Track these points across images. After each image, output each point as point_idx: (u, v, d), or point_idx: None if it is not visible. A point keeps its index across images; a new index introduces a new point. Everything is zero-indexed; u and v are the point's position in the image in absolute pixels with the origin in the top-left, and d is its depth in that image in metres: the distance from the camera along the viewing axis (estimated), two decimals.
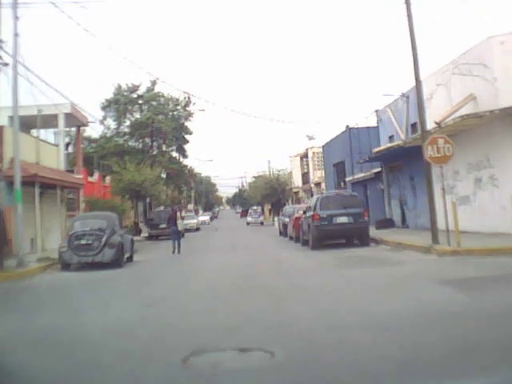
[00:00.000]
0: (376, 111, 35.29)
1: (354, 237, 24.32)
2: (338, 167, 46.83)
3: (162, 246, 33.62)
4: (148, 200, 59.50)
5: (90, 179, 44.54)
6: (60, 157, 33.36)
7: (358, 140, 40.66)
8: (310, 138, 62.23)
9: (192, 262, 22.44)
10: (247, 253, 24.69)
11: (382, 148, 29.77)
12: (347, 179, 41.30)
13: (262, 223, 73.67)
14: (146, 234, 43.03)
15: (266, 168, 76.82)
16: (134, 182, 42.94)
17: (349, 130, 41.74)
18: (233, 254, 24.53)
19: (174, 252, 26.28)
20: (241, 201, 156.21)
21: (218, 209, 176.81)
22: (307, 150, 61.32)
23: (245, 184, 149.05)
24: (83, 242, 19.46)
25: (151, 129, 56.02)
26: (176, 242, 26.87)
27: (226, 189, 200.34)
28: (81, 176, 35.36)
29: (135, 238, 41.19)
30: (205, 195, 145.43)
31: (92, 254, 19.39)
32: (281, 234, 38.07)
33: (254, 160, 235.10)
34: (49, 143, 33.24)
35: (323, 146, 51.49)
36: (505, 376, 4.09)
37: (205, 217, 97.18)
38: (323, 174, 55.74)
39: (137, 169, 44.65)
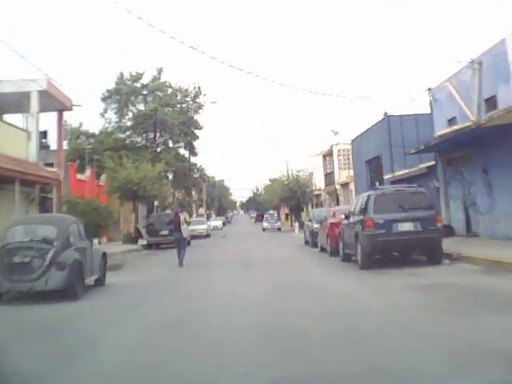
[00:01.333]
0: (429, 90, 28.14)
1: (422, 250, 17.25)
2: (372, 164, 39.78)
3: (162, 259, 26.95)
4: (156, 203, 52.82)
5: (79, 177, 37.78)
6: (32, 146, 26.53)
7: (399, 130, 33.63)
8: (335, 133, 55.34)
9: (193, 285, 15.69)
10: (269, 271, 17.84)
11: (447, 131, 22.66)
12: (386, 177, 34.24)
13: (279, 229, 66.78)
14: (145, 242, 36.15)
15: (283, 170, 69.78)
16: (131, 180, 36.15)
17: (387, 118, 34.70)
18: (250, 274, 17.64)
19: (180, 264, 21.45)
20: (255, 205, 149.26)
21: (231, 213, 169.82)
22: (332, 146, 54.38)
23: (260, 188, 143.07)
24: (17, 259, 12.54)
25: (155, 121, 49.14)
26: (182, 252, 21.84)
27: (240, 193, 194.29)
28: (56, 170, 28.44)
29: (131, 248, 34.74)
30: (218, 199, 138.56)
31: (30, 278, 12.44)
32: (307, 243, 31.17)
33: (270, 162, 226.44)
34: (15, 127, 26.42)
35: (352, 141, 44.47)
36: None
37: (217, 222, 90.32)
38: (352, 173, 48.69)
39: (135, 165, 37.85)
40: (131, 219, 42.64)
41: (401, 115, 33.61)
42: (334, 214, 22.98)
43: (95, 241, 28.34)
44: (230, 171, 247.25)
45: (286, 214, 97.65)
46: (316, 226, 27.86)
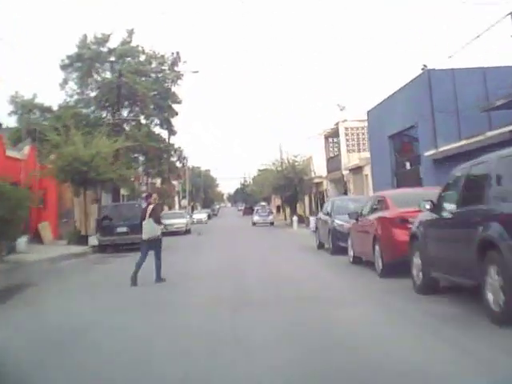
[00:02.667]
0: None
1: None
2: (398, 140, 30.57)
3: (110, 272, 17.78)
4: (122, 192, 43.23)
5: (11, 154, 28.21)
6: None
7: (445, 89, 24.43)
8: (342, 108, 45.96)
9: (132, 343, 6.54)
10: (287, 320, 8.47)
11: None
12: (427, 154, 24.90)
13: (271, 223, 57.55)
14: (96, 243, 26.67)
15: (276, 156, 60.11)
16: (79, 157, 26.65)
17: (427, 73, 25.36)
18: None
19: (133, 281, 13.49)
20: (243, 197, 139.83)
21: (218, 206, 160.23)
22: (337, 124, 45.03)
23: (248, 178, 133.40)
24: None
25: (119, 89, 39.51)
26: (155, 261, 13.95)
27: (228, 184, 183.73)
28: None
29: (75, 251, 25.23)
30: (203, 190, 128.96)
31: None
32: (321, 246, 21.95)
33: (261, 150, 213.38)
34: None
35: (368, 113, 35.05)
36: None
37: (201, 214, 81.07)
38: (365, 155, 39.41)
39: (87, 140, 28.34)
40: (93, 211, 33.16)
41: (452, 69, 24.40)
42: (387, 202, 13.38)
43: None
44: (217, 160, 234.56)
45: (278, 207, 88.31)
46: (341, 222, 18.56)
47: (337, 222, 18.99)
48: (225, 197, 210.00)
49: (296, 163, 53.80)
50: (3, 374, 5.86)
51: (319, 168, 53.21)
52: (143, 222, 13.98)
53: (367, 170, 36.82)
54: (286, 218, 66.53)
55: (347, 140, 45.13)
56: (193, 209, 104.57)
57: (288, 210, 68.16)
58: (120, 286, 13.31)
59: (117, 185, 32.72)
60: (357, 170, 39.84)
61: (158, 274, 13.69)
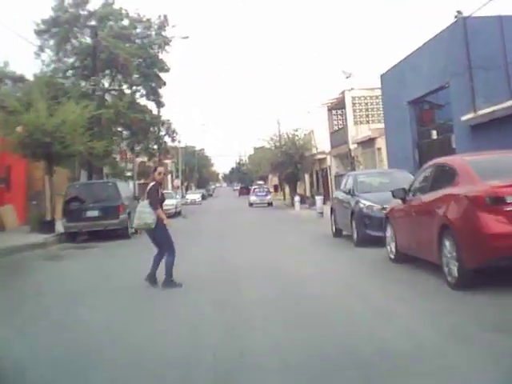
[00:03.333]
0: None
1: None
2: (418, 106, 26.16)
3: (54, 278, 13.15)
4: (105, 170, 38.64)
5: None
6: None
7: (485, 41, 19.98)
8: (348, 76, 41.13)
9: None
10: None
11: None
12: (464, 118, 20.37)
13: (270, 204, 53.11)
14: (62, 230, 22.07)
15: (274, 132, 55.28)
16: (41, 127, 21.98)
17: (463, 21, 20.75)
18: None
19: (152, 280, 10.23)
20: (239, 176, 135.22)
21: (213, 186, 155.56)
22: (343, 93, 40.36)
23: (244, 157, 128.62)
24: None
25: (97, 54, 34.70)
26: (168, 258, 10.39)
27: (223, 163, 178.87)
28: None
29: (37, 240, 20.33)
30: (197, 170, 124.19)
31: None
32: (339, 233, 17.47)
33: (257, 127, 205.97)
34: None
35: (382, 77, 30.41)
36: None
37: (195, 195, 76.59)
38: (376, 126, 34.96)
39: (53, 108, 23.65)
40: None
41: (497, 16, 19.92)
42: (464, 172, 8.69)
43: None
44: (211, 139, 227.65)
45: (275, 186, 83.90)
46: (369, 203, 14.09)
47: (363, 202, 14.44)
48: (220, 176, 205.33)
49: (296, 138, 49.15)
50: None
51: (321, 143, 48.69)
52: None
53: (380, 143, 32.32)
54: (284, 198, 62.12)
55: (354, 111, 40.51)
56: (187, 189, 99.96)
57: (287, 190, 63.85)
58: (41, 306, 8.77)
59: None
60: (367, 143, 35.29)
61: (169, 277, 10.08)
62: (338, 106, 44.13)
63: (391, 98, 28.88)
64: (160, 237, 10.38)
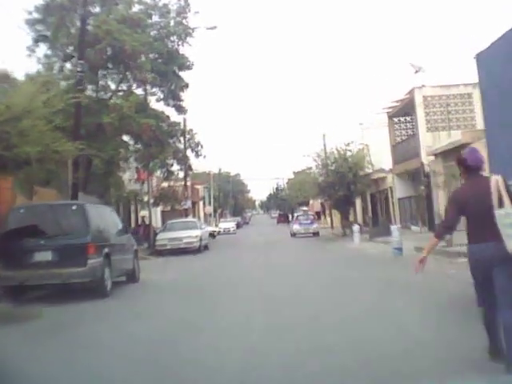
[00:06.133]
0: None
1: None
2: None
3: None
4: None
5: None
6: None
7: None
8: (418, 70, 32.21)
9: None
10: None
11: None
12: None
13: (316, 233, 44.01)
14: None
15: (318, 150, 45.86)
16: None
17: None
18: None
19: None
20: (277, 203, 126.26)
21: (249, 213, 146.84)
22: (411, 93, 31.50)
23: (282, 183, 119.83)
24: None
25: (103, 45, 26.80)
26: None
27: (259, 191, 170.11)
28: None
29: None
30: (232, 197, 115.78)
31: None
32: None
33: (294, 153, 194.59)
34: None
35: (478, 57, 21.39)
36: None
37: (229, 223, 67.82)
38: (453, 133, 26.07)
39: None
40: None
41: None
42: None
43: None
44: (245, 163, 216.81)
45: (317, 213, 74.77)
46: None
47: None
48: (256, 204, 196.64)
49: (348, 154, 40.30)
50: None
51: (378, 161, 39.70)
52: None
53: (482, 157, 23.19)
54: (332, 227, 53.02)
55: (427, 114, 31.53)
56: (221, 216, 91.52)
57: (335, 216, 54.85)
58: None
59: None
60: (453, 152, 26.18)
61: None
62: (402, 110, 35.21)
63: (494, 83, 19.89)
64: None
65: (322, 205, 76.50)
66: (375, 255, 22.05)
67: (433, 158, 29.25)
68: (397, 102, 34.45)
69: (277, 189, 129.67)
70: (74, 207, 13.07)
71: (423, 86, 31.69)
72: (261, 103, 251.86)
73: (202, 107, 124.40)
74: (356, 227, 30.17)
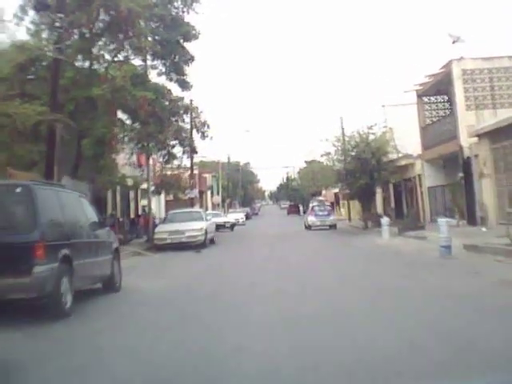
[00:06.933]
0: None
1: None
2: None
3: None
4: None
5: None
6: None
7: None
8: (456, 40, 28.15)
9: None
10: None
11: None
12: None
13: (332, 226, 39.99)
14: None
15: (336, 136, 41.45)
16: None
17: None
18: None
19: None
20: (288, 193, 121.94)
21: (259, 204, 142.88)
22: (448, 66, 27.43)
23: (293, 173, 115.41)
24: None
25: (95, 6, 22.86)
26: None
27: (269, 181, 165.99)
28: None
29: None
30: (242, 187, 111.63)
31: None
32: None
33: (304, 142, 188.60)
34: None
35: None
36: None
37: (238, 214, 63.80)
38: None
39: None
40: None
41: None
42: None
43: None
44: (255, 151, 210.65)
45: (331, 203, 70.66)
46: None
47: None
48: (266, 194, 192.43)
49: (372, 137, 36.27)
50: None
51: (402, 146, 35.57)
52: None
53: None
54: (349, 219, 49.03)
55: (466, 90, 27.42)
56: (230, 207, 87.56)
57: (353, 207, 50.95)
58: None
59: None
60: (503, 132, 22.11)
61: None
62: (434, 87, 31.09)
63: None
64: None
65: (335, 195, 72.51)
66: (415, 255, 18.06)
67: (475, 139, 25.18)
68: (429, 77, 30.33)
69: (287, 178, 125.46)
70: (17, 189, 9.12)
71: (462, 58, 27.59)
72: (271, 89, 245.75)
73: (210, 93, 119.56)
74: (385, 220, 26.13)
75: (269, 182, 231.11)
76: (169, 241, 25.36)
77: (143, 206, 35.71)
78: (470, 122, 26.15)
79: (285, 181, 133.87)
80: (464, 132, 26.19)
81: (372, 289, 11.28)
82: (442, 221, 17.39)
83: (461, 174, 26.46)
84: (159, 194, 33.01)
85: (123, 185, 25.54)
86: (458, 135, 26.89)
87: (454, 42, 28.04)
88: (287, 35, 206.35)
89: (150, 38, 27.03)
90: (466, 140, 26.15)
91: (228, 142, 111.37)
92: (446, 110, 33.02)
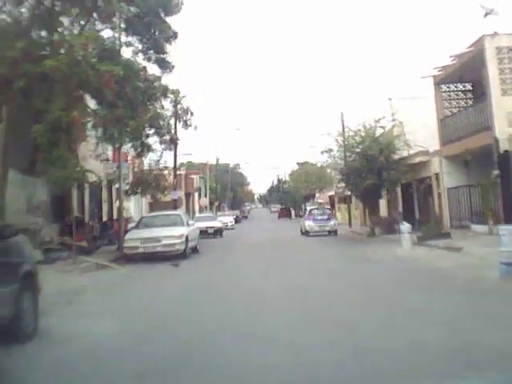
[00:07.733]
0: None
1: None
2: None
3: None
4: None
5: None
6: None
7: None
8: (488, 12, 23.59)
9: None
10: None
11: None
12: None
13: (332, 232, 35.46)
14: None
15: (337, 131, 36.67)
16: None
17: None
18: None
19: None
20: (279, 196, 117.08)
21: (249, 207, 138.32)
22: (480, 41, 22.86)
23: (283, 176, 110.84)
24: None
25: None
26: None
27: (258, 184, 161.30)
28: None
29: None
30: (231, 189, 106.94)
31: None
32: None
33: (298, 137, 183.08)
34: None
35: None
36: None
37: (227, 217, 58.91)
38: None
39: None
40: None
41: None
42: None
43: None
44: (245, 152, 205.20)
45: (330, 206, 65.86)
46: None
47: None
48: (255, 197, 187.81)
49: (379, 131, 31.77)
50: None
51: (419, 136, 30.93)
52: None
53: None
54: (350, 223, 44.39)
55: (501, 71, 22.88)
56: (218, 210, 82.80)
57: (354, 210, 46.48)
58: None
59: None
60: None
61: None
62: (458, 72, 26.55)
63: None
64: None
65: (330, 198, 68.15)
66: (464, 275, 13.38)
67: None
68: (454, 58, 25.78)
69: (278, 181, 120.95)
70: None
71: (495, 33, 23.05)
72: (263, 87, 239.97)
73: (199, 89, 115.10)
74: (406, 226, 21.40)
75: (259, 184, 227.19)
76: (141, 250, 20.70)
77: (118, 208, 30.92)
78: (507, 109, 21.60)
79: (276, 183, 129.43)
80: (501, 121, 21.62)
81: (446, 349, 6.61)
82: (503, 228, 12.78)
83: (496, 172, 21.90)
84: (135, 194, 28.18)
85: (83, 181, 20.75)
86: (492, 125, 22.29)
87: (486, 15, 23.21)
88: (281, 26, 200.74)
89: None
90: (503, 131, 21.60)
91: (217, 141, 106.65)
92: (469, 100, 28.58)
